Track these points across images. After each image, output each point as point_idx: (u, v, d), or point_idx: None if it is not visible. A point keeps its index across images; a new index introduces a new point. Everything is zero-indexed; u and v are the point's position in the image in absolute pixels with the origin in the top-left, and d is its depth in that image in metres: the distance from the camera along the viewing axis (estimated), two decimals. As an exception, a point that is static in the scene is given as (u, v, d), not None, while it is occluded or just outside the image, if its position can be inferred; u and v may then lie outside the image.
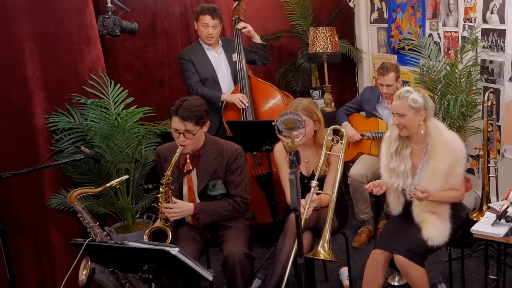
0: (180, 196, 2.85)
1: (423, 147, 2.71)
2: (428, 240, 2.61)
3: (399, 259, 2.56)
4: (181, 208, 2.75)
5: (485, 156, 3.28)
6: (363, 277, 2.73)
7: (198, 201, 2.84)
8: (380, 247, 2.66)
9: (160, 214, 2.79)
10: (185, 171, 2.83)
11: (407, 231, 2.70)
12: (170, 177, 2.72)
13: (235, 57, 3.89)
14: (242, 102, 3.74)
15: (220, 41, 3.96)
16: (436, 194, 2.62)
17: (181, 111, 2.65)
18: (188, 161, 2.85)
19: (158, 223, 2.82)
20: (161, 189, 2.74)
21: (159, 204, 2.76)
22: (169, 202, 2.74)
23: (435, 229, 2.63)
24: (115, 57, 4.49)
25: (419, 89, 2.73)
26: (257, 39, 3.99)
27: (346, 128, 3.94)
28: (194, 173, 2.85)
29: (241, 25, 3.89)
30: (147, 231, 2.78)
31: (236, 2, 3.91)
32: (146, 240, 2.72)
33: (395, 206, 2.80)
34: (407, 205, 2.77)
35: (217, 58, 3.92)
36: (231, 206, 2.82)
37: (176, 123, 2.68)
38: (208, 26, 3.78)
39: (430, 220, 2.65)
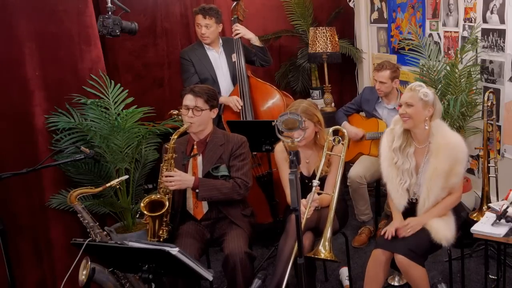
0: None
1: (425, 146, 2.72)
2: (442, 241, 2.63)
3: (400, 259, 2.57)
4: (181, 177, 2.79)
5: (485, 156, 3.29)
6: (364, 277, 2.73)
7: None
8: (381, 246, 2.67)
9: (159, 187, 2.82)
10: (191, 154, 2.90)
11: None
12: (174, 144, 2.78)
13: (234, 57, 3.88)
14: (236, 105, 3.75)
15: (220, 41, 3.95)
16: (429, 215, 2.67)
17: (195, 89, 2.87)
18: (195, 147, 2.92)
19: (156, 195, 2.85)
20: (164, 157, 2.80)
21: (160, 175, 2.80)
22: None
23: (443, 230, 2.64)
24: (115, 57, 4.49)
25: (430, 87, 2.76)
26: (254, 41, 3.93)
27: (347, 128, 3.95)
28: (199, 159, 2.90)
29: (234, 33, 3.85)
30: (143, 202, 2.79)
31: (235, 2, 3.89)
32: (142, 206, 2.78)
33: (400, 201, 2.75)
34: (410, 205, 2.77)
35: (218, 58, 3.91)
36: (231, 185, 2.84)
37: (188, 99, 2.84)
38: (201, 26, 3.76)
39: (435, 224, 2.65)
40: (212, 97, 2.87)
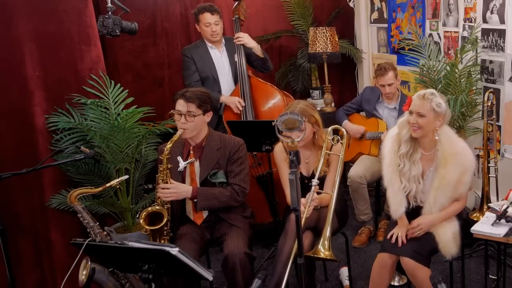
0: None
1: (432, 153, 2.67)
2: (447, 255, 2.62)
3: (407, 261, 2.56)
4: (178, 188, 2.76)
5: (485, 156, 3.28)
6: (366, 277, 2.72)
7: None
8: (387, 250, 2.65)
9: (157, 198, 2.80)
10: (188, 160, 2.86)
11: None
12: (170, 154, 2.75)
13: (236, 57, 3.88)
14: (238, 107, 3.75)
15: (223, 40, 3.95)
16: (439, 217, 2.64)
17: (187, 93, 2.79)
18: (191, 152, 2.88)
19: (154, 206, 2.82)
20: (159, 167, 2.76)
21: (157, 186, 2.78)
22: (166, 183, 2.76)
23: (450, 243, 2.62)
24: (115, 57, 4.49)
25: (442, 95, 2.69)
26: (256, 50, 3.89)
27: (348, 126, 3.95)
28: (197, 164, 2.88)
29: (236, 39, 3.84)
30: (142, 214, 2.77)
31: (236, 2, 3.89)
32: (142, 222, 2.75)
33: (398, 208, 2.70)
34: (414, 210, 2.75)
35: (220, 58, 3.91)
36: (229, 193, 2.82)
37: (180, 104, 2.78)
38: (211, 24, 3.76)
39: (444, 237, 2.63)
40: (204, 102, 2.80)
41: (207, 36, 3.83)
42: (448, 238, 2.62)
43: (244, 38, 3.84)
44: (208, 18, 3.75)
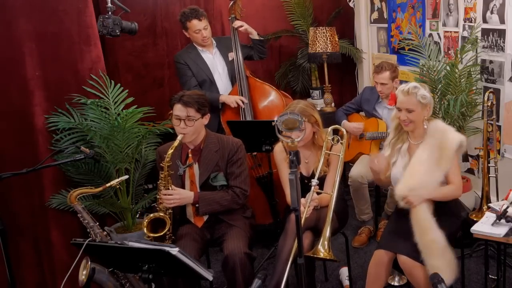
0: None
1: (420, 142, 2.72)
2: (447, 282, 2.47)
3: (403, 259, 2.56)
4: (180, 194, 2.77)
5: (485, 156, 3.28)
6: (366, 278, 2.71)
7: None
8: (384, 247, 2.65)
9: (158, 204, 2.80)
10: (187, 163, 2.86)
11: (409, 231, 2.68)
12: (170, 161, 2.74)
13: (231, 56, 3.87)
14: (239, 103, 3.74)
15: (214, 42, 3.93)
16: (428, 193, 2.58)
17: (184, 98, 2.75)
18: (190, 155, 2.87)
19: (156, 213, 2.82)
20: (161, 174, 2.76)
21: (158, 192, 2.78)
22: (168, 189, 2.76)
23: (444, 270, 2.48)
24: (115, 57, 4.49)
25: (424, 84, 2.76)
26: (254, 35, 3.94)
27: (347, 125, 3.95)
28: (196, 167, 2.87)
29: (237, 23, 3.86)
30: (145, 221, 2.77)
31: (232, 1, 3.89)
32: (145, 230, 2.75)
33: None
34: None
35: (212, 60, 3.90)
36: (230, 196, 2.83)
37: (178, 109, 2.75)
38: (200, 30, 3.73)
39: (436, 263, 2.51)
40: (203, 105, 2.79)
41: (198, 41, 3.81)
42: (442, 268, 2.46)
43: (245, 25, 3.87)
44: (196, 25, 3.71)
